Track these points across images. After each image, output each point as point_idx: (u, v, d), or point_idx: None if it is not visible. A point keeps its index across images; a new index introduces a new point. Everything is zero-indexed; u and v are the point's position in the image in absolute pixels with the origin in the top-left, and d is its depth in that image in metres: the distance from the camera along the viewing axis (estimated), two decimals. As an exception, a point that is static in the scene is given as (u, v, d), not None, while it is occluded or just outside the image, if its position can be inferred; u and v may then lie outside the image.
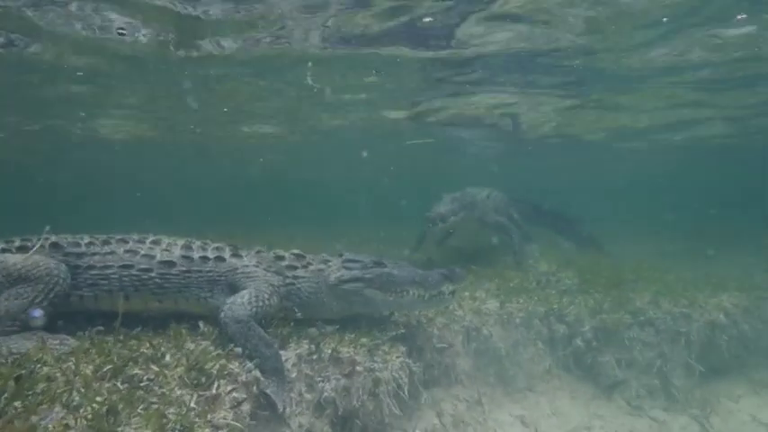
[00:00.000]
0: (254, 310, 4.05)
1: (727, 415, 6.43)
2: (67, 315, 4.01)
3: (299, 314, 4.46)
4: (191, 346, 3.89)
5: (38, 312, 3.67)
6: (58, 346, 3.58)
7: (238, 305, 4.00)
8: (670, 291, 7.18)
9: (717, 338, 6.85)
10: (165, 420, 3.16)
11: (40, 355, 3.43)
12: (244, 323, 3.92)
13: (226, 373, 3.68)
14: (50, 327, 3.83)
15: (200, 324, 4.11)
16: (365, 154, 17.61)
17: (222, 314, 3.99)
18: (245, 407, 3.62)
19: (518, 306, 6.35)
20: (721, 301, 7.10)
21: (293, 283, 4.46)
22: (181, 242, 4.34)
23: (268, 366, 3.84)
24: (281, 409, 3.78)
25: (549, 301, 6.64)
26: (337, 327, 4.55)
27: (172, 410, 3.29)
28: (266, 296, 4.20)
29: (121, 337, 3.80)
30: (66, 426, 2.94)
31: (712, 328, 6.84)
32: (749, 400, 6.69)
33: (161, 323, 4.11)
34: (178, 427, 3.15)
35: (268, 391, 3.76)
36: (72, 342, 3.65)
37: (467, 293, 6.34)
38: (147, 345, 3.76)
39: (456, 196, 7.98)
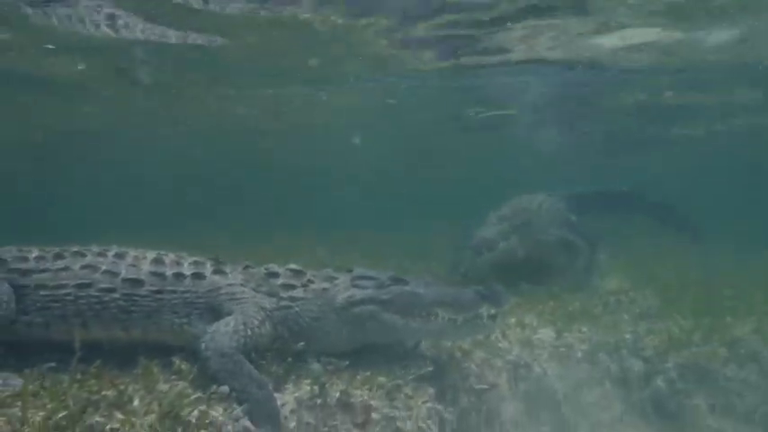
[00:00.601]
0: (243, 340, 4.01)
1: None
2: (13, 347, 4.01)
3: (299, 345, 4.40)
4: (164, 387, 3.85)
5: None
6: (1, 388, 3.58)
7: (222, 334, 3.97)
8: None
9: None
10: (131, 483, 3.15)
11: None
12: (229, 357, 3.89)
13: (207, 421, 3.63)
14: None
15: (176, 359, 4.07)
16: (357, 140, 17.10)
17: (203, 346, 3.96)
18: (232, 465, 3.60)
19: (580, 336, 6.27)
20: None
21: (290, 307, 4.42)
22: (151, 256, 4.32)
23: (260, 412, 3.79)
24: None
25: (620, 329, 6.54)
26: (347, 362, 4.48)
27: (140, 470, 3.28)
28: (257, 323, 4.18)
29: (79, 377, 3.77)
30: (10, 489, 2.94)
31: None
32: None
33: (128, 358, 4.08)
34: (148, 491, 3.13)
35: None
36: (18, 383, 3.64)
37: (513, 319, 6.27)
38: (111, 386, 3.72)
39: (505, 214, 7.74)
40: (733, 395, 6.38)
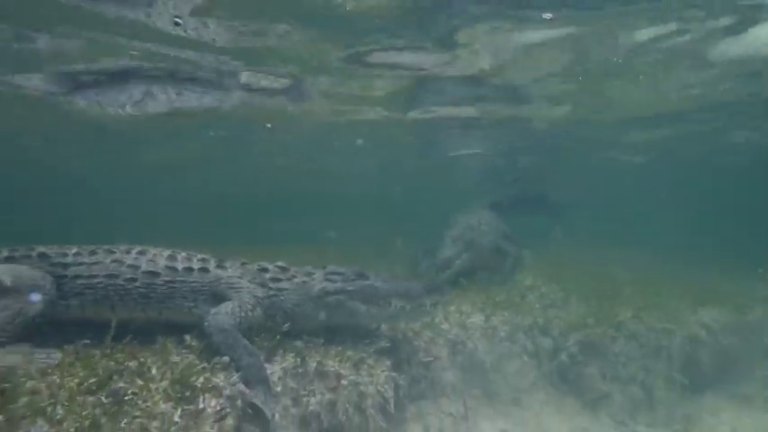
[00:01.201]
0: (238, 320, 4.09)
1: (709, 429, 6.52)
2: (58, 327, 4.02)
3: (285, 326, 4.47)
4: (176, 359, 3.90)
5: (36, 297, 3.73)
6: (44, 360, 3.58)
7: (222, 315, 4.05)
8: (652, 305, 7.25)
9: (698, 353, 6.96)
10: (148, 435, 3.19)
11: (26, 368, 3.44)
12: (228, 333, 3.97)
13: (210, 386, 3.70)
14: (40, 339, 3.84)
15: (187, 337, 4.12)
16: (360, 142, 15.40)
17: (206, 324, 4.03)
18: (230, 421, 3.64)
19: (503, 319, 6.37)
20: (702, 317, 7.22)
21: (277, 295, 4.50)
22: (166, 253, 4.36)
23: (253, 375, 3.86)
24: (271, 416, 3.78)
25: (533, 314, 6.67)
26: (323, 340, 4.56)
27: (155, 425, 3.31)
28: (250, 307, 4.26)
29: (108, 351, 3.80)
30: (49, 439, 2.96)
31: (694, 343, 6.96)
32: (730, 414, 6.79)
33: (148, 336, 4.11)
34: (161, 441, 3.18)
35: (255, 400, 3.76)
36: (58, 355, 3.65)
37: (452, 307, 6.36)
38: (133, 358, 3.77)
39: (457, 236, 8.02)
40: (619, 365, 6.54)
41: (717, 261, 11.57)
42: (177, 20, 5.85)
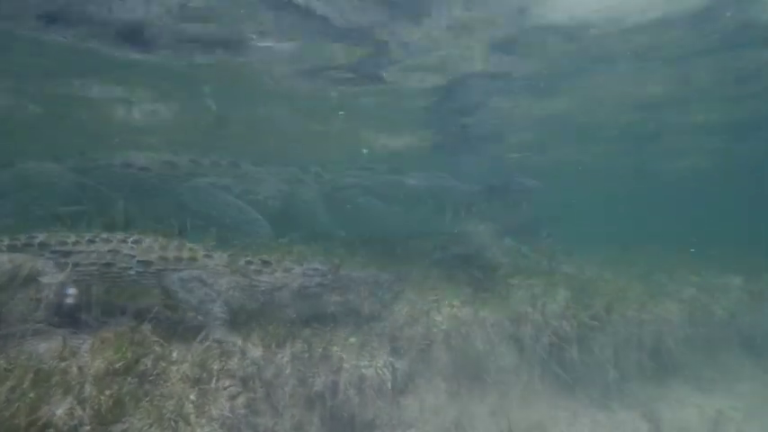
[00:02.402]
0: (201, 279, 3.84)
1: (676, 409, 5.96)
2: (92, 314, 3.78)
3: (292, 316, 4.17)
4: (198, 345, 3.59)
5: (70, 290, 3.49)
6: (78, 344, 3.32)
7: (185, 272, 3.83)
8: (623, 298, 6.75)
9: (665, 340, 6.44)
10: (164, 412, 2.89)
11: (61, 351, 3.18)
12: (186, 281, 3.74)
13: (226, 368, 3.43)
14: (76, 325, 3.59)
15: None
16: (365, 151, 13.89)
17: (168, 279, 3.78)
18: (241, 399, 3.34)
19: (491, 309, 5.93)
20: (668, 308, 6.69)
21: (257, 285, 4.13)
22: (159, 243, 4.00)
23: (210, 310, 3.72)
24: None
25: (517, 306, 6.18)
26: (328, 327, 4.24)
27: (172, 403, 3.01)
28: (225, 286, 3.94)
29: (136, 336, 3.51)
30: (72, 414, 2.67)
31: (661, 332, 6.44)
32: (697, 396, 6.21)
33: (172, 326, 3.82)
34: (175, 417, 2.88)
35: (218, 335, 3.64)
36: (90, 341, 3.39)
37: (446, 301, 5.87)
38: (157, 344, 3.50)
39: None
40: (594, 351, 6.05)
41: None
42: None
